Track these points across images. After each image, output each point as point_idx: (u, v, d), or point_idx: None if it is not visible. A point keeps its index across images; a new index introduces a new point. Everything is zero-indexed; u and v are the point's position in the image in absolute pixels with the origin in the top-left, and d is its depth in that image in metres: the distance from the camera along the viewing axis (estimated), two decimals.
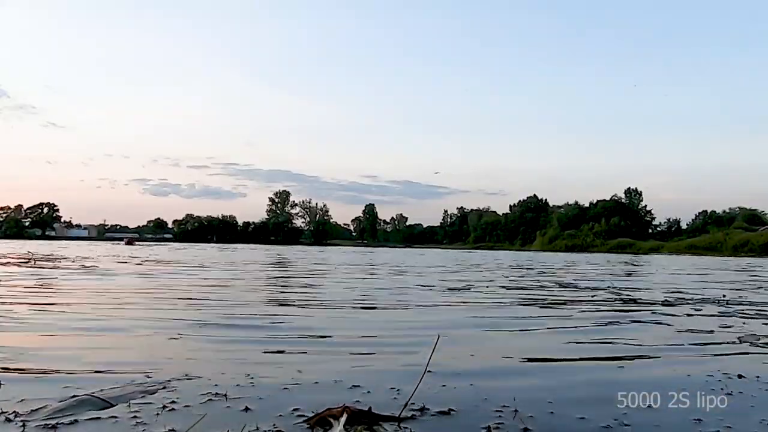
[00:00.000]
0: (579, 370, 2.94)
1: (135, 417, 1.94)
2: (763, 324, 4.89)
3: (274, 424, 1.93)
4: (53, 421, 1.88)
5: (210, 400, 2.18)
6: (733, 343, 3.85)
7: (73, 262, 14.58)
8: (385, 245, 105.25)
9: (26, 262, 13.76)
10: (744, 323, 4.87)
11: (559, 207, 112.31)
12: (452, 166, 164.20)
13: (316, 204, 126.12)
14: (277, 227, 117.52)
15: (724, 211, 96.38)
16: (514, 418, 2.05)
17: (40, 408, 2.01)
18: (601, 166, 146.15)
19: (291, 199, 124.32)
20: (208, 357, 3.06)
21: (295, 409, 2.08)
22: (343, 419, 1.90)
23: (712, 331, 4.37)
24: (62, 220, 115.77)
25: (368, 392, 2.36)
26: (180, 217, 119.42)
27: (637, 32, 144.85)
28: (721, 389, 2.49)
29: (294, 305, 5.80)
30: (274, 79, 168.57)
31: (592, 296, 7.56)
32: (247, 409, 2.08)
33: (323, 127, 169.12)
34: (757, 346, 3.73)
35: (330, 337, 3.85)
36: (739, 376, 2.73)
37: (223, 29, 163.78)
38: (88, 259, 16.10)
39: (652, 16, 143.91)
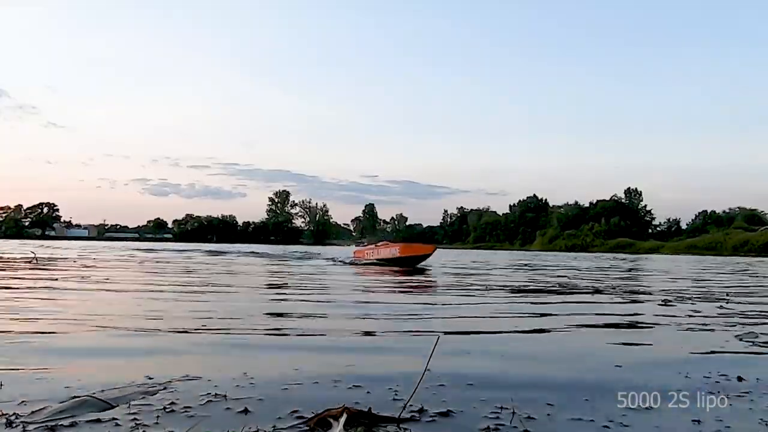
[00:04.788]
0: (578, 370, 2.94)
1: (135, 419, 1.94)
2: (763, 324, 4.89)
3: (274, 426, 1.93)
4: (53, 423, 1.88)
5: (210, 401, 2.18)
6: (733, 342, 3.85)
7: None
8: None
9: (29, 262, 13.75)
10: (744, 323, 4.87)
11: (559, 207, 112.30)
12: (452, 166, 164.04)
13: (316, 204, 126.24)
14: (277, 227, 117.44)
15: (724, 211, 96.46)
16: (513, 418, 2.05)
17: (41, 409, 2.01)
18: (601, 166, 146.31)
19: (291, 199, 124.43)
20: (208, 357, 3.07)
21: (294, 410, 2.08)
22: (342, 420, 1.90)
23: (712, 330, 4.37)
24: (62, 219, 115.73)
25: (368, 392, 2.36)
26: (180, 217, 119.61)
27: (637, 32, 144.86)
28: (721, 389, 2.49)
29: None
30: (274, 79, 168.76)
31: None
32: (246, 410, 2.08)
33: (323, 127, 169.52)
34: (757, 345, 3.73)
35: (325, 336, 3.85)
36: (739, 378, 2.73)
37: (224, 29, 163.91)
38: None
39: (652, 15, 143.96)
